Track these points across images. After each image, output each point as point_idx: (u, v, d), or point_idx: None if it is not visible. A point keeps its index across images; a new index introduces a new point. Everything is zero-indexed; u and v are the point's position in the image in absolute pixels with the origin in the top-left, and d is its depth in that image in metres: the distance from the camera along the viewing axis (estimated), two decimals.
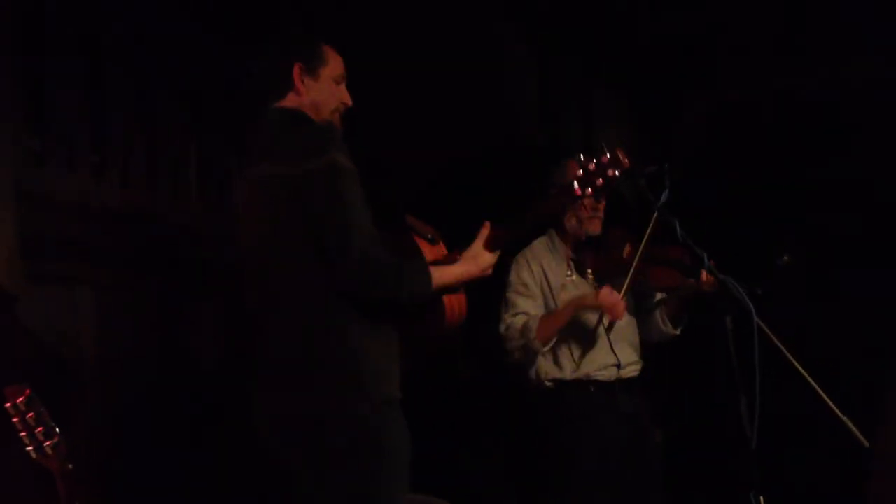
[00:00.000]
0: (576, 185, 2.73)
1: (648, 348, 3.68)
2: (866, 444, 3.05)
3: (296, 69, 2.73)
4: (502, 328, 3.50)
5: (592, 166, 2.73)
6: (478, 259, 2.75)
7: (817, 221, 4.29)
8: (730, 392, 3.10)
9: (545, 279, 3.54)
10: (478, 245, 2.76)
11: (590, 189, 2.73)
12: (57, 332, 3.48)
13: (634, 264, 3.37)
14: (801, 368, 3.13)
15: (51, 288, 3.50)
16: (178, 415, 3.76)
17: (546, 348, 3.44)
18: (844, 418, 3.11)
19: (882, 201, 4.33)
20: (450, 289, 2.73)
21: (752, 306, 3.08)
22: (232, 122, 4.26)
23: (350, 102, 2.80)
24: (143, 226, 3.85)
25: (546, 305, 3.52)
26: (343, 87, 2.79)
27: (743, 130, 4.86)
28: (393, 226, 2.79)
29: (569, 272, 3.48)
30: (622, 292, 3.41)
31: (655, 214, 3.30)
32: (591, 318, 3.47)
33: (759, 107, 4.83)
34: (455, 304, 2.78)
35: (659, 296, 3.65)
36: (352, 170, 2.60)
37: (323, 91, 2.75)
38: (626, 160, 2.74)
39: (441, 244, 2.82)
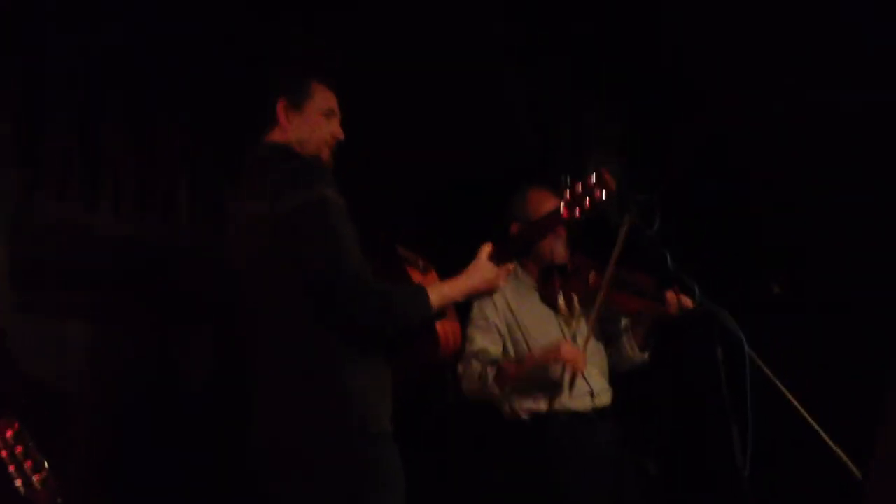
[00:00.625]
0: (563, 207, 2.73)
1: (631, 379, 3.67)
2: (858, 474, 3.04)
3: (280, 105, 2.74)
4: (460, 367, 3.47)
5: (579, 188, 2.73)
6: (482, 271, 2.74)
7: (811, 246, 4.29)
8: (722, 422, 3.10)
9: (510, 312, 3.51)
10: (481, 258, 2.75)
11: (577, 211, 2.73)
12: (47, 361, 3.47)
13: (601, 293, 3.37)
14: (792, 398, 3.13)
15: (40, 316, 3.48)
16: (172, 443, 3.73)
17: (503, 393, 3.43)
18: (836, 448, 3.11)
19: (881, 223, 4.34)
20: (444, 314, 2.72)
21: (743, 337, 3.09)
22: (223, 148, 4.26)
23: (342, 136, 2.80)
24: (134, 253, 3.84)
25: (513, 338, 3.49)
26: (334, 121, 2.79)
27: (735, 154, 4.86)
28: (383, 257, 2.79)
29: (543, 304, 3.48)
30: (589, 324, 3.41)
31: (620, 241, 3.30)
32: (553, 374, 3.42)
33: (754, 130, 4.84)
34: (449, 333, 2.76)
35: (625, 322, 3.64)
36: (340, 203, 2.60)
37: (309, 126, 2.74)
38: (612, 182, 2.73)
39: (432, 272, 2.82)
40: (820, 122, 4.46)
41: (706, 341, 3.19)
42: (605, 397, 3.51)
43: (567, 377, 3.38)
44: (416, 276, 2.76)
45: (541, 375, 3.40)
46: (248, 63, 4.04)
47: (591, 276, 3.47)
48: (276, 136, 2.74)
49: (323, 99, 2.78)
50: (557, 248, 3.50)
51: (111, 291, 3.72)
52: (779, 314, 3.44)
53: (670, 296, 3.40)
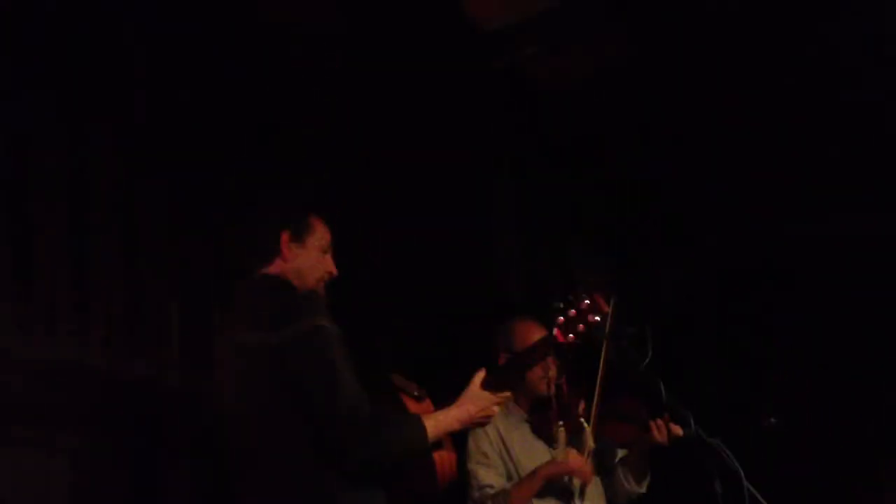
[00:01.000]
0: (556, 331, 2.75)
1: None
2: None
3: (284, 237, 2.76)
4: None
5: (573, 312, 2.75)
6: (476, 398, 2.71)
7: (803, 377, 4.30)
8: None
9: (503, 445, 3.46)
10: (474, 386, 2.73)
11: (572, 335, 2.75)
12: (29, 499, 3.39)
13: (591, 421, 3.34)
14: None
15: (23, 453, 3.42)
16: None
17: None
18: None
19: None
20: (441, 444, 2.69)
21: (741, 469, 3.05)
22: (215, 283, 4.28)
23: (335, 272, 2.83)
24: (122, 389, 3.79)
25: (507, 472, 3.44)
26: (329, 256, 2.82)
27: (722, 292, 4.92)
28: (379, 385, 2.77)
29: (535, 437, 3.45)
30: (584, 453, 3.37)
31: (602, 370, 3.30)
32: (562, 485, 3.39)
33: (739, 270, 4.91)
34: (446, 463, 2.74)
35: (620, 454, 3.60)
36: (335, 332, 2.59)
37: (308, 259, 2.78)
38: (605, 306, 2.78)
39: (427, 401, 2.81)
40: (805, 256, 4.54)
41: (704, 474, 3.14)
42: None
43: (577, 486, 3.32)
44: (411, 405, 2.75)
45: (550, 490, 3.33)
46: (243, 189, 4.09)
47: (581, 407, 3.45)
48: (275, 268, 2.76)
49: (322, 234, 2.82)
50: (549, 379, 3.48)
51: (97, 428, 3.67)
52: (776, 445, 3.42)
53: (660, 424, 3.37)
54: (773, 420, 3.28)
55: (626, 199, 4.97)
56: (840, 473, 4.04)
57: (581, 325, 2.74)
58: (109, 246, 3.91)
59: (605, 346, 3.30)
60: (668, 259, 4.96)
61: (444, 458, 2.72)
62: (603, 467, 3.57)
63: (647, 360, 3.19)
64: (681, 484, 3.65)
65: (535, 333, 3.40)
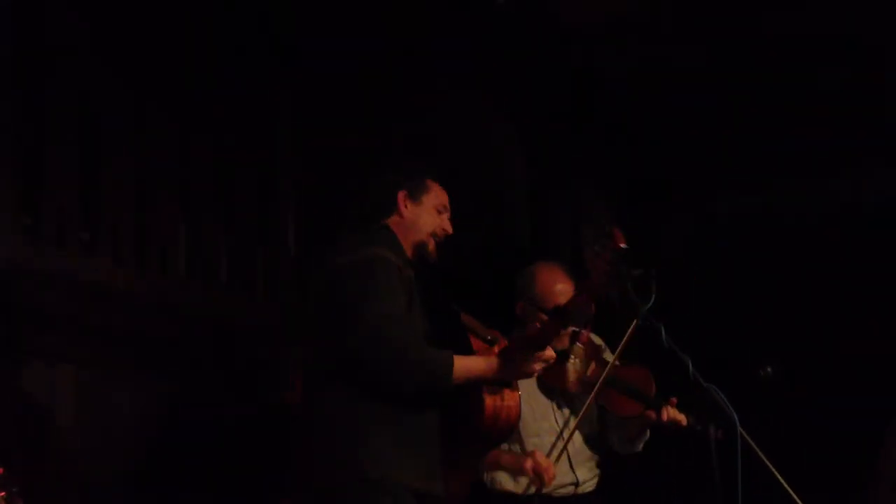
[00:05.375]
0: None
1: (631, 459, 3.62)
2: None
3: (400, 195, 2.95)
4: None
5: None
6: (506, 355, 2.76)
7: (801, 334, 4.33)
8: (713, 501, 3.08)
9: None
10: (510, 343, 2.80)
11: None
12: (35, 407, 3.45)
13: (596, 388, 3.33)
14: (783, 480, 3.11)
15: (31, 362, 3.47)
16: (156, 490, 3.70)
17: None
18: None
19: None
20: (499, 388, 2.78)
21: (735, 417, 3.08)
22: (220, 204, 4.30)
23: (450, 230, 2.98)
24: (128, 303, 3.84)
25: None
26: (445, 217, 2.98)
27: (728, 242, 4.93)
28: (448, 325, 2.82)
29: (539, 391, 3.45)
30: (577, 419, 3.39)
31: (631, 328, 3.29)
32: (549, 438, 3.40)
33: (743, 220, 4.91)
34: (501, 408, 2.79)
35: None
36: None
37: (422, 214, 2.96)
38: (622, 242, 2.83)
39: (496, 348, 2.83)
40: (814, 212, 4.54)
41: (699, 420, 3.18)
42: (588, 486, 3.45)
43: (532, 488, 3.34)
44: (478, 346, 2.80)
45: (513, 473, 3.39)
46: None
47: (591, 368, 3.43)
48: (392, 221, 2.94)
49: (439, 196, 2.99)
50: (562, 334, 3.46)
51: (102, 340, 3.72)
52: (771, 395, 3.45)
53: (666, 411, 3.36)
54: (769, 370, 3.29)
55: (631, 143, 4.95)
56: (836, 425, 4.09)
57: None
58: (119, 165, 3.93)
59: (633, 323, 3.27)
60: (672, 206, 4.96)
61: (497, 403, 2.78)
62: (602, 421, 3.55)
63: (650, 304, 3.18)
64: (675, 429, 3.67)
65: (558, 282, 3.41)
